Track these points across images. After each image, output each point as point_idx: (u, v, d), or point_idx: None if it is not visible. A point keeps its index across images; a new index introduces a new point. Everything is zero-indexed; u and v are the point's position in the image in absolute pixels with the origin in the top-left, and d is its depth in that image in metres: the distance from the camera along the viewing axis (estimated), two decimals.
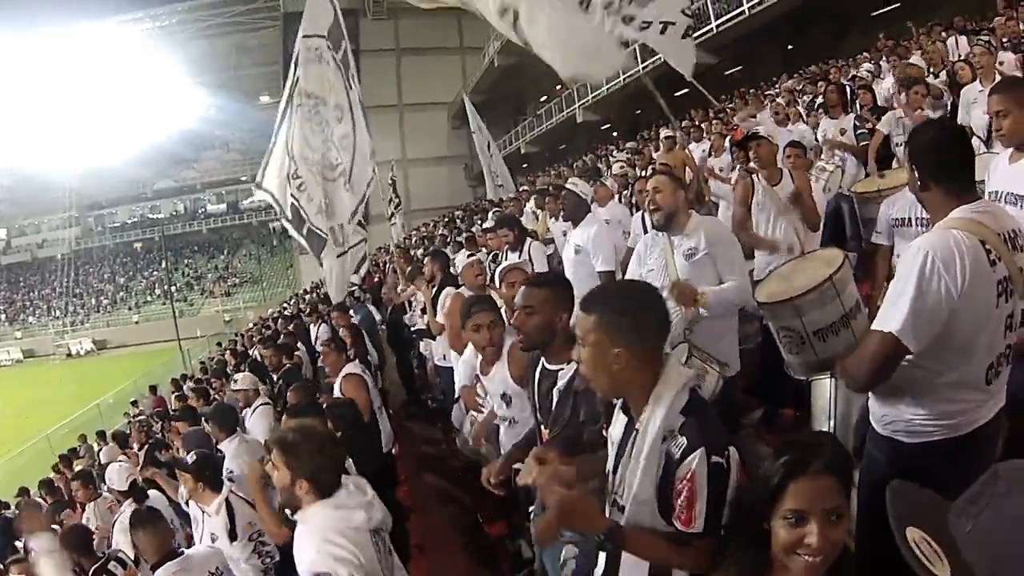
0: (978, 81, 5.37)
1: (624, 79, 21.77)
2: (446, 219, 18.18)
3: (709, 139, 8.58)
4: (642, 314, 1.72)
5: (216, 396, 7.93)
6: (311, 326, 9.73)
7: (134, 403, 18.74)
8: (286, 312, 17.76)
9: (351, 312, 8.00)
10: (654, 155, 9.10)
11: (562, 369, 2.34)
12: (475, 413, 3.69)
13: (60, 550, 3.66)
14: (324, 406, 4.06)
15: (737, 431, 3.53)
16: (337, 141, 6.11)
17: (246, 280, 49.72)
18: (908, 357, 1.89)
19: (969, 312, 1.85)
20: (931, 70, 7.60)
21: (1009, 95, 2.63)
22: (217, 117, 47.13)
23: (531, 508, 2.71)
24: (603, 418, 1.90)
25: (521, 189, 16.32)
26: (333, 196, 6.19)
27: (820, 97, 8.46)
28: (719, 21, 17.28)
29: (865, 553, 1.84)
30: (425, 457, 6.69)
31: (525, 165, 30.86)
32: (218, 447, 4.62)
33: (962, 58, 6.75)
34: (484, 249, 6.72)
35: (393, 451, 5.57)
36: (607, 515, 1.72)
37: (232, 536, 3.53)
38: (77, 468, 9.85)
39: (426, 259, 6.21)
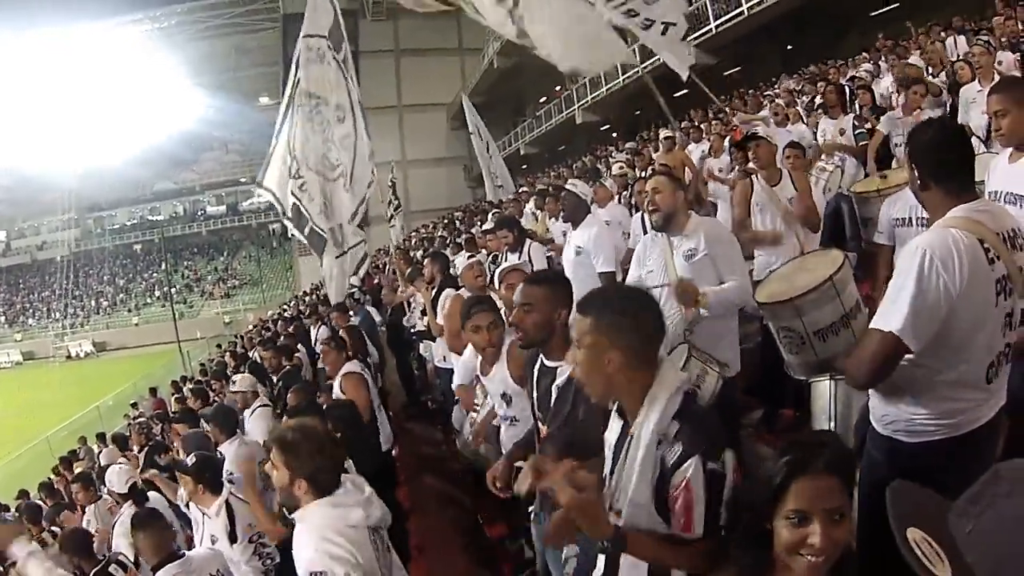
0: (977, 81, 5.37)
1: (623, 80, 21.81)
2: (445, 220, 18.17)
3: (708, 140, 8.59)
4: (638, 317, 1.73)
5: (216, 398, 7.93)
6: (311, 328, 9.73)
7: (134, 405, 18.74)
8: (286, 314, 17.77)
9: (350, 314, 8.00)
10: (653, 156, 9.11)
11: (561, 366, 2.34)
12: (474, 414, 3.70)
13: (57, 554, 3.67)
14: (324, 407, 4.06)
15: (737, 431, 3.53)
16: (338, 141, 6.11)
17: (246, 282, 49.71)
18: (908, 356, 1.89)
19: (967, 311, 1.85)
20: (930, 70, 7.61)
21: (1008, 95, 2.63)
22: (216, 118, 47.09)
23: (531, 507, 2.71)
24: (602, 418, 1.90)
25: (520, 190, 16.32)
26: (333, 196, 6.19)
27: (819, 97, 8.47)
28: (718, 22, 17.29)
29: (865, 553, 1.83)
30: (425, 458, 6.69)
31: (524, 166, 30.86)
32: (218, 449, 4.62)
33: (961, 58, 6.75)
34: (484, 250, 6.72)
35: (393, 452, 5.56)
36: None
37: (232, 538, 3.52)
38: (77, 470, 9.83)
39: (426, 260, 6.20)
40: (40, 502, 8.66)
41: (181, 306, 43.01)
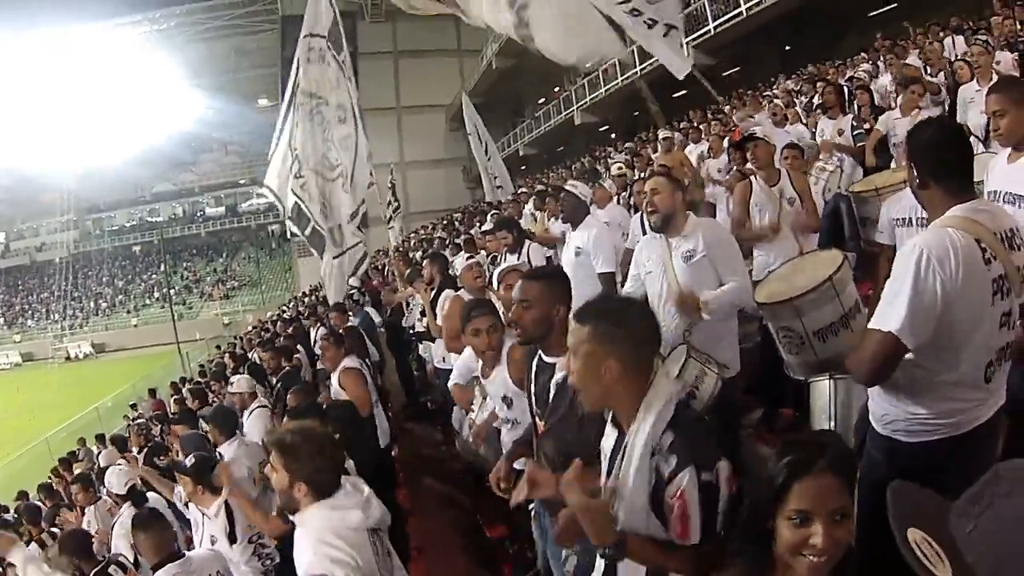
0: (975, 81, 5.38)
1: (622, 80, 21.82)
2: (445, 221, 18.19)
3: (707, 140, 8.60)
4: (636, 326, 1.74)
5: (215, 399, 7.92)
6: (310, 329, 9.73)
7: (133, 406, 18.71)
8: (285, 315, 17.76)
9: (349, 315, 7.99)
10: (652, 156, 9.11)
11: (559, 361, 2.34)
12: (472, 415, 3.69)
13: (56, 555, 3.67)
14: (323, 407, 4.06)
15: (737, 431, 3.53)
16: (338, 141, 6.11)
17: (245, 283, 49.67)
18: (907, 356, 1.90)
19: (964, 310, 1.86)
20: (928, 69, 7.62)
21: (1006, 95, 2.64)
22: (215, 120, 47.05)
23: (531, 506, 2.71)
24: (599, 415, 1.91)
25: (520, 191, 16.32)
26: (331, 197, 6.20)
27: (818, 98, 8.48)
28: (717, 22, 17.32)
29: (865, 553, 1.84)
30: (425, 459, 6.68)
31: (523, 167, 30.88)
32: (218, 450, 4.61)
33: (960, 58, 6.76)
34: (483, 251, 6.72)
35: (393, 452, 5.56)
36: None
37: (232, 538, 3.53)
38: (76, 471, 9.82)
39: (425, 262, 6.20)
40: (39, 503, 8.66)
41: (180, 307, 43.00)
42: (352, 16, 34.35)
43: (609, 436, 1.82)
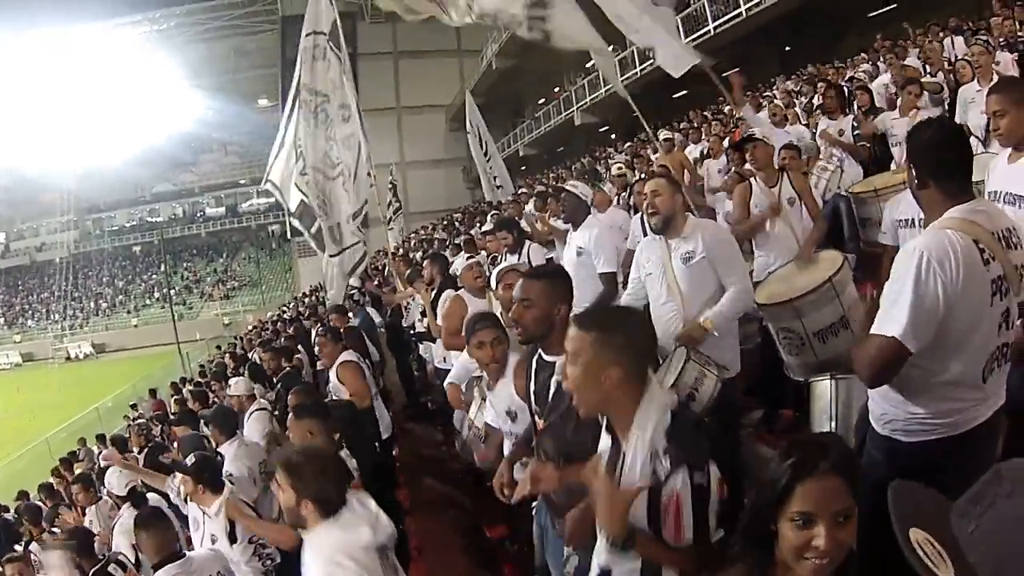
0: (975, 81, 5.38)
1: (621, 81, 21.78)
2: (445, 222, 18.18)
3: (707, 140, 8.59)
4: (635, 334, 1.77)
5: (215, 399, 7.91)
6: (311, 329, 9.72)
7: (133, 406, 18.72)
8: (285, 315, 17.76)
9: (350, 315, 7.99)
10: (652, 157, 9.11)
11: (559, 360, 2.34)
12: (471, 417, 3.68)
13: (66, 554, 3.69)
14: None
15: (737, 432, 3.53)
16: (340, 140, 6.12)
17: (245, 283, 49.67)
18: None
19: (964, 311, 1.87)
20: (927, 69, 7.62)
21: (1007, 95, 2.64)
22: (215, 120, 47.02)
23: (533, 504, 2.71)
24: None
25: (520, 191, 16.31)
26: (331, 195, 6.20)
27: (817, 98, 8.48)
28: (716, 23, 17.32)
29: (865, 553, 1.84)
30: (425, 459, 6.69)
31: (523, 168, 30.88)
32: (218, 450, 4.61)
33: (960, 58, 6.76)
34: (483, 252, 6.72)
35: (393, 452, 5.56)
36: None
37: (232, 538, 3.52)
38: (77, 471, 9.82)
39: (425, 262, 6.20)
40: (40, 503, 8.65)
41: (180, 307, 43.01)
42: (352, 16, 34.39)
43: (604, 442, 1.85)
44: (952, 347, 1.90)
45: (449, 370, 4.29)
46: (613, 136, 25.15)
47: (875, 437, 2.12)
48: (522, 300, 2.34)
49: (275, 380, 6.67)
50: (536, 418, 2.48)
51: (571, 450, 2.05)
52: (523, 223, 6.69)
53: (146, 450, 6.03)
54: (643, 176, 6.68)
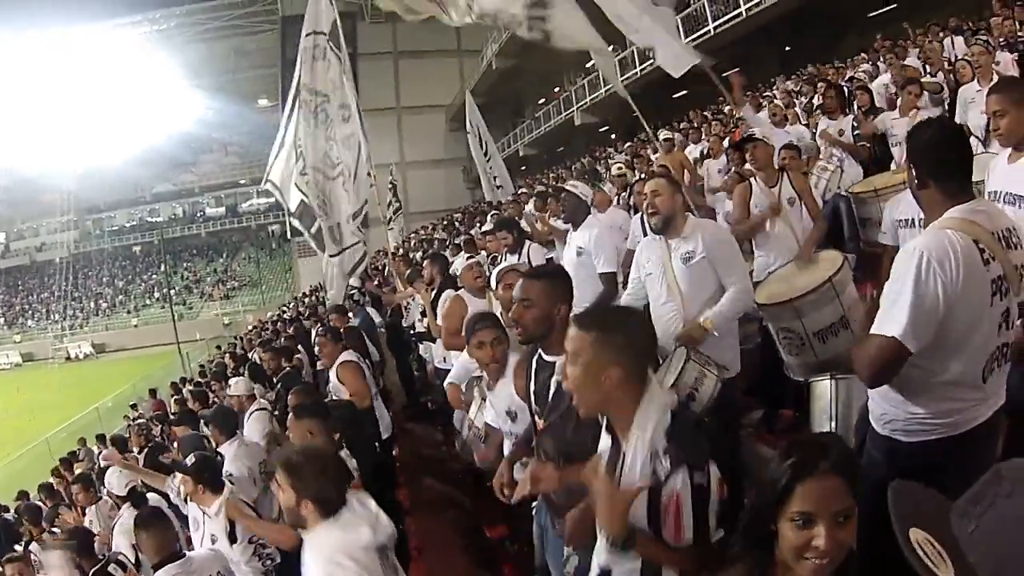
0: (976, 81, 5.38)
1: (621, 81, 21.78)
2: (445, 222, 18.18)
3: (707, 140, 8.59)
4: (635, 334, 1.78)
5: (215, 399, 7.91)
6: (311, 329, 9.71)
7: (133, 406, 18.72)
8: (285, 315, 17.75)
9: (349, 315, 7.99)
10: (652, 157, 9.11)
11: (559, 360, 2.34)
12: (471, 417, 3.68)
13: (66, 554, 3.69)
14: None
15: (737, 432, 3.53)
16: (341, 140, 6.11)
17: (245, 283, 49.67)
18: None
19: (964, 311, 1.87)
20: (927, 69, 7.62)
21: (1007, 95, 2.64)
22: (215, 120, 47.02)
23: (533, 504, 2.71)
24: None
25: (520, 191, 16.31)
26: (331, 195, 6.20)
27: (817, 98, 8.47)
28: (716, 23, 17.32)
29: (865, 553, 1.84)
30: (425, 459, 6.69)
31: (523, 168, 30.88)
32: (218, 450, 4.61)
33: (960, 58, 6.76)
34: (483, 252, 6.72)
35: (393, 452, 5.56)
36: None
37: (232, 538, 3.52)
38: (77, 471, 9.82)
39: (425, 262, 6.20)
40: (40, 503, 8.65)
41: (180, 307, 43.01)
42: (352, 16, 34.39)
43: (603, 442, 1.85)
44: (952, 347, 1.90)
45: (449, 370, 4.30)
46: (613, 136, 25.14)
47: (875, 437, 2.12)
48: (522, 300, 2.34)
49: (275, 380, 6.67)
50: (536, 418, 2.48)
51: (571, 450, 2.05)
52: (523, 223, 6.69)
53: (146, 450, 6.03)
54: (643, 176, 6.68)
